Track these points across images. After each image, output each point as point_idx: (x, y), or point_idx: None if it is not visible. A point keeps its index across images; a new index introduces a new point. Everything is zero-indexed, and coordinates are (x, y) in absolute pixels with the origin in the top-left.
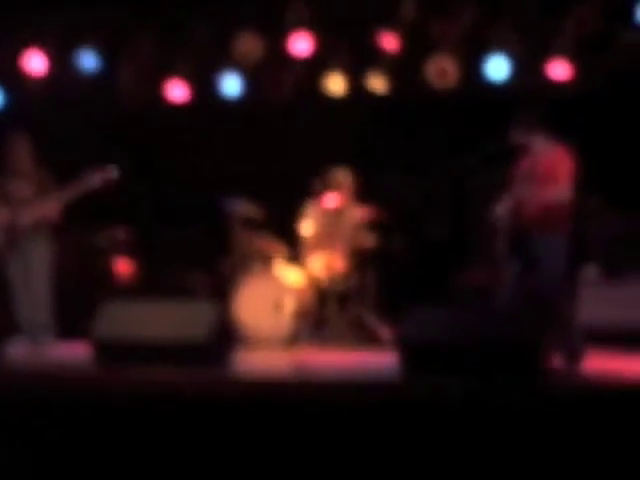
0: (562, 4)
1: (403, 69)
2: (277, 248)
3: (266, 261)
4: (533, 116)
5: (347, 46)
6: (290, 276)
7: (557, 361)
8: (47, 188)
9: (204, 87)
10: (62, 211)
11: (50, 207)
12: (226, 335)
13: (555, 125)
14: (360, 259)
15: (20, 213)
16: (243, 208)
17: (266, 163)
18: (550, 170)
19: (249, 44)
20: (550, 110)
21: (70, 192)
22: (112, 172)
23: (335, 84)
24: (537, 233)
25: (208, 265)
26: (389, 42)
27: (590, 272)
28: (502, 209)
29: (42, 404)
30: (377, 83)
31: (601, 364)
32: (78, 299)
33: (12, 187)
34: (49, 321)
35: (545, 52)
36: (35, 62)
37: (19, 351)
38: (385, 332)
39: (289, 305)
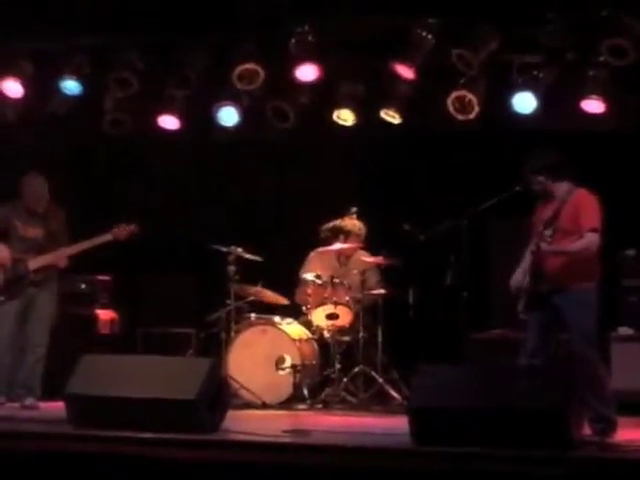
0: (594, 35)
1: (420, 100)
2: (276, 298)
3: (264, 312)
4: (555, 161)
5: (358, 75)
6: (290, 328)
7: (587, 431)
8: (58, 230)
9: (198, 118)
10: (71, 258)
11: (62, 255)
12: (218, 394)
13: (583, 169)
14: (368, 310)
15: (29, 257)
16: (239, 254)
17: (265, 203)
18: (573, 218)
19: (249, 72)
20: (578, 153)
21: (88, 244)
22: (135, 228)
23: (344, 116)
24: (561, 287)
25: (199, 316)
26: (405, 71)
27: (623, 333)
28: (519, 279)
29: (10, 467)
30: (391, 115)
31: (636, 435)
32: (57, 351)
33: (23, 226)
34: (37, 380)
35: (576, 85)
36: (12, 88)
37: None
38: (394, 391)
39: (288, 360)
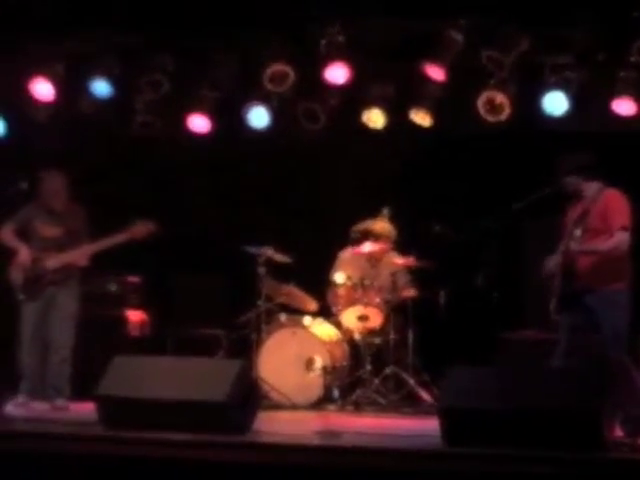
0: (625, 35)
1: (450, 102)
2: (307, 299)
3: (294, 313)
4: (587, 160)
5: (388, 76)
6: (320, 330)
7: (618, 432)
8: (78, 229)
9: (228, 119)
10: (91, 256)
11: (81, 253)
12: (249, 395)
13: (614, 170)
14: (399, 311)
15: (48, 256)
16: (269, 254)
17: (296, 204)
18: (603, 217)
19: (280, 73)
20: (609, 154)
21: (107, 243)
22: (153, 226)
23: (375, 118)
24: (592, 287)
25: (230, 318)
26: (435, 72)
27: None
28: (554, 263)
29: (40, 469)
30: (421, 117)
31: None
32: (87, 352)
33: (42, 226)
34: (65, 380)
35: (607, 86)
36: (43, 89)
37: (18, 409)
38: (425, 393)
39: (319, 362)
